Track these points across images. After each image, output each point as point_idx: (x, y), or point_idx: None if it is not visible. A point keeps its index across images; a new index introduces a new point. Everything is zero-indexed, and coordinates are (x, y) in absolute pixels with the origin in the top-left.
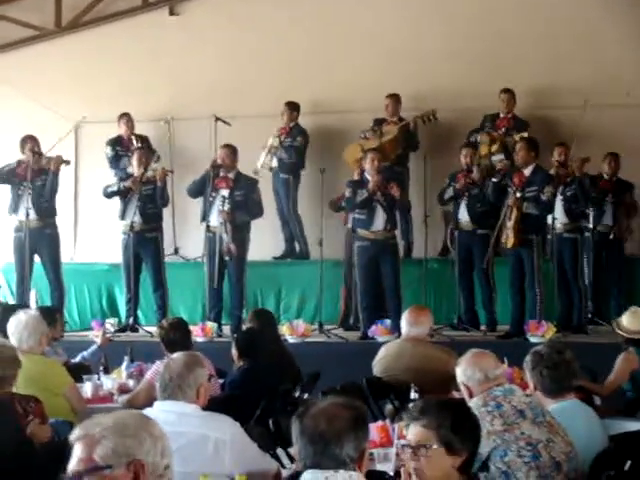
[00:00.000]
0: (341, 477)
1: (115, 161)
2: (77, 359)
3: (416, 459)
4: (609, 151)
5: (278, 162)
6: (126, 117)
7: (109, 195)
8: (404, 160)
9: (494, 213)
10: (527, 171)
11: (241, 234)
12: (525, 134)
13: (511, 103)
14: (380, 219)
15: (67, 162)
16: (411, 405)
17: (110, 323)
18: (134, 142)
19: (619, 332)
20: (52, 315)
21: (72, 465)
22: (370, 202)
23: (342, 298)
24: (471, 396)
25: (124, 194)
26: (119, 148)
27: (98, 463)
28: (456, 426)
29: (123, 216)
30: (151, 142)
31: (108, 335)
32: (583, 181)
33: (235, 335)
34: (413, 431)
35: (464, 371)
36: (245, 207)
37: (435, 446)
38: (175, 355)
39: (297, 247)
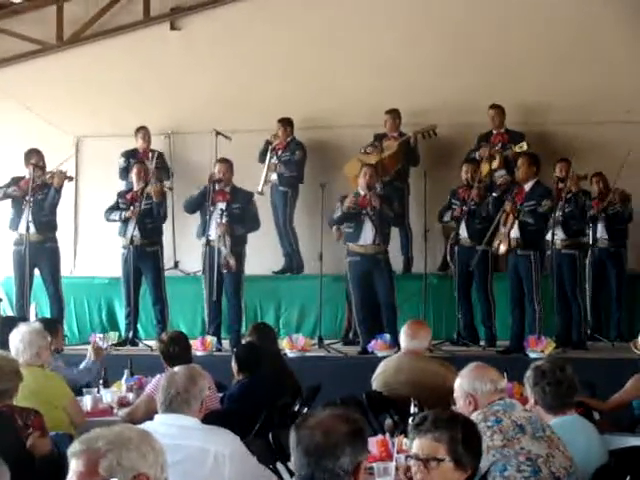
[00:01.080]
0: None
1: (125, 173)
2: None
3: (425, 472)
4: (607, 166)
5: (278, 176)
6: (143, 131)
7: (110, 221)
8: (404, 175)
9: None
10: (527, 186)
11: (238, 247)
12: (524, 144)
13: (500, 118)
14: (368, 233)
15: (70, 178)
16: (417, 417)
17: (99, 337)
18: (149, 157)
19: (636, 351)
20: (53, 326)
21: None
22: (356, 215)
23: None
24: (476, 408)
25: (125, 220)
26: (132, 161)
27: (103, 477)
28: (466, 441)
29: (124, 233)
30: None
31: (97, 347)
32: (580, 199)
33: (235, 349)
34: (423, 443)
35: (472, 383)
36: (242, 220)
37: (446, 460)
38: (177, 368)
39: (295, 261)
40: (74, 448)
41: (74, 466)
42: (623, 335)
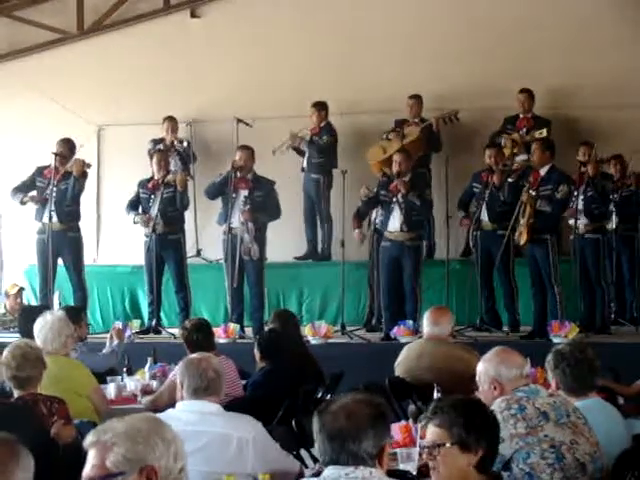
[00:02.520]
0: (360, 473)
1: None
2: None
3: (432, 458)
4: (631, 150)
5: (307, 162)
6: (171, 121)
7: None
8: (426, 161)
9: (513, 214)
10: (542, 171)
11: (260, 235)
12: (544, 131)
13: (529, 103)
14: (396, 220)
15: (88, 165)
16: (428, 407)
17: (119, 324)
18: (176, 145)
19: None
20: (77, 314)
21: (86, 471)
22: (388, 203)
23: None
24: (501, 393)
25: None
26: (161, 147)
27: (110, 470)
28: (469, 424)
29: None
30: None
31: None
32: (598, 182)
33: (257, 336)
34: (428, 431)
35: (497, 368)
36: (264, 208)
37: (448, 445)
38: (199, 355)
39: (319, 248)
40: (88, 439)
41: (89, 456)
42: (636, 320)
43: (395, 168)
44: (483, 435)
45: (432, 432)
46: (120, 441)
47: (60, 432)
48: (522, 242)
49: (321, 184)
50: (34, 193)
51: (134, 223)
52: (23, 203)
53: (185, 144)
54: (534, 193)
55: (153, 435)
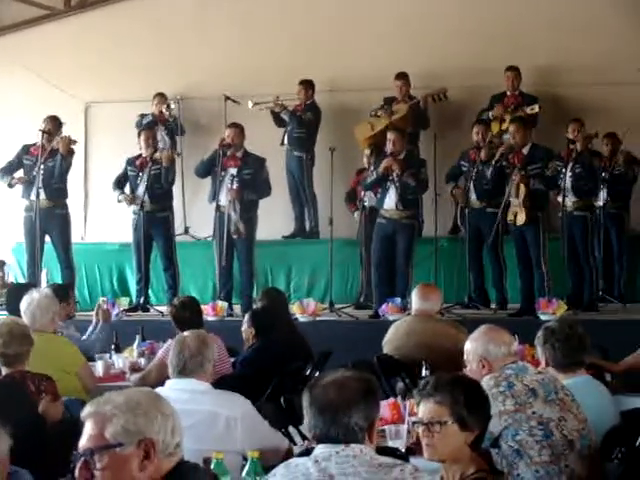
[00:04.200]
0: (351, 451)
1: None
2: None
3: (429, 435)
4: (619, 128)
5: (289, 139)
6: (161, 97)
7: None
8: (414, 139)
9: (501, 191)
10: (525, 150)
11: (249, 213)
12: (536, 107)
13: (517, 80)
14: (391, 198)
15: (74, 142)
16: (422, 382)
17: (103, 300)
18: (164, 112)
19: None
20: (65, 292)
21: (83, 442)
22: (383, 182)
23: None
24: (489, 371)
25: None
26: (149, 118)
27: (109, 441)
28: (469, 402)
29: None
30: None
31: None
32: (585, 158)
33: (251, 313)
34: (426, 407)
35: (485, 346)
36: (253, 186)
37: (449, 422)
38: (187, 333)
39: (307, 226)
40: (86, 410)
41: (85, 428)
42: (624, 296)
43: (389, 147)
44: (481, 415)
45: (432, 409)
46: (120, 412)
47: (48, 409)
48: (520, 223)
49: (304, 162)
50: (21, 174)
51: (118, 202)
52: (11, 186)
53: (173, 107)
54: (523, 173)
55: (152, 409)
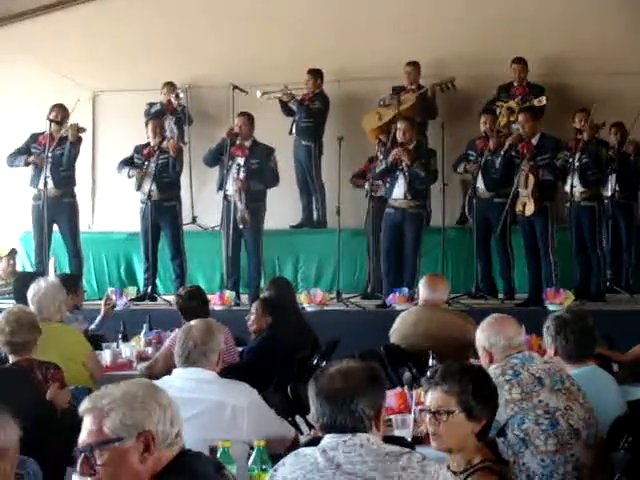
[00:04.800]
0: (359, 440)
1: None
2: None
3: (436, 424)
4: (626, 117)
5: (297, 129)
6: (171, 86)
7: (120, 174)
8: (422, 128)
9: (510, 181)
10: (534, 140)
11: (256, 203)
12: (543, 99)
13: (523, 72)
14: (400, 188)
15: (83, 129)
16: (430, 370)
17: (111, 291)
18: (172, 101)
19: None
20: (74, 282)
21: (82, 437)
22: (392, 171)
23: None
24: (491, 362)
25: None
26: (157, 110)
27: (108, 436)
28: (477, 392)
29: (139, 187)
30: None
31: (110, 303)
32: (592, 148)
33: (263, 301)
34: (434, 396)
35: (487, 337)
36: (260, 175)
37: (457, 411)
38: (194, 322)
39: (315, 215)
40: (83, 405)
41: (84, 423)
42: (631, 287)
43: (400, 137)
44: (489, 404)
45: (439, 398)
46: (117, 406)
47: (55, 397)
48: (528, 213)
49: (312, 151)
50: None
51: (129, 177)
52: (27, 164)
53: (181, 96)
54: (533, 163)
55: (150, 400)
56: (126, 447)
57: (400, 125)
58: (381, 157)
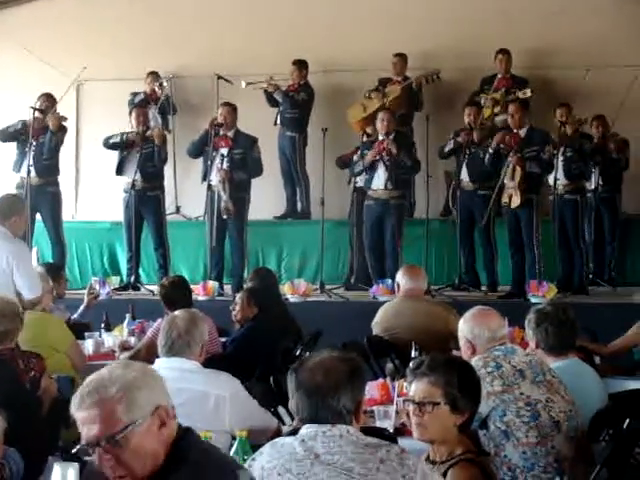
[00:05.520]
0: (338, 431)
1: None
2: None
3: (420, 415)
4: (609, 111)
5: (281, 119)
6: (154, 76)
7: (110, 146)
8: (407, 120)
9: (495, 173)
10: (522, 132)
11: (240, 193)
12: (528, 91)
13: (508, 63)
14: (380, 178)
15: (64, 118)
16: (415, 361)
17: (95, 280)
18: (157, 90)
19: None
20: (57, 272)
21: (94, 431)
22: (374, 163)
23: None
24: (474, 353)
25: (125, 147)
26: (141, 99)
27: (125, 421)
28: (462, 385)
29: (120, 171)
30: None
31: (93, 293)
32: (576, 142)
33: (249, 291)
34: (419, 387)
35: (471, 329)
36: (244, 166)
37: (442, 403)
38: (177, 312)
39: (299, 206)
40: (86, 401)
41: (87, 417)
42: (614, 280)
43: (383, 128)
44: (473, 397)
45: (424, 389)
46: (126, 391)
47: (48, 387)
48: (514, 205)
49: (297, 142)
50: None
51: (121, 140)
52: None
53: (165, 85)
54: (520, 155)
55: (149, 377)
56: (145, 427)
57: (383, 115)
58: (357, 157)
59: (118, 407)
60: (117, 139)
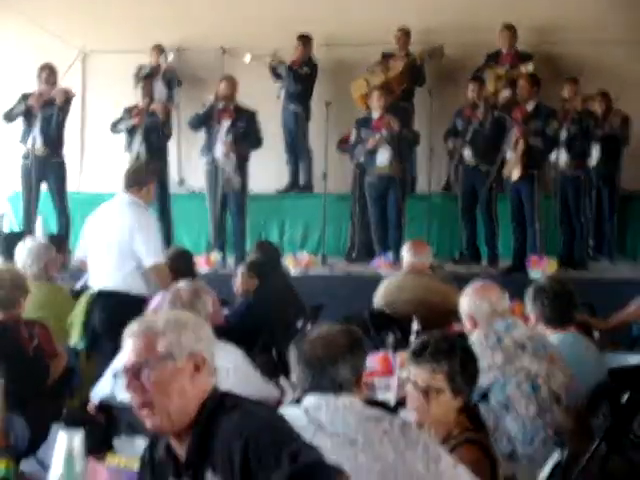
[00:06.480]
0: (341, 402)
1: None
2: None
3: (423, 401)
4: (613, 87)
5: (285, 94)
6: (159, 49)
7: (117, 132)
8: (409, 95)
9: (497, 149)
10: (529, 106)
11: (242, 166)
12: (530, 65)
13: (512, 39)
14: (384, 154)
15: (72, 94)
16: (416, 344)
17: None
18: (161, 64)
19: None
20: (61, 242)
21: (132, 357)
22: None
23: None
24: (475, 327)
25: (131, 130)
26: (147, 72)
27: (161, 353)
28: (464, 370)
29: (129, 147)
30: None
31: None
32: (583, 119)
33: (250, 264)
34: (422, 373)
35: (472, 303)
36: (246, 138)
37: (445, 390)
38: (181, 284)
39: (301, 180)
40: (133, 329)
41: (132, 345)
42: (613, 255)
43: (379, 106)
44: (472, 382)
45: (428, 377)
46: (172, 327)
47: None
48: (514, 178)
49: (300, 116)
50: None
51: (126, 129)
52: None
53: (171, 59)
54: (524, 128)
55: (199, 328)
56: (178, 366)
57: (378, 94)
58: (353, 137)
59: (159, 339)
60: (122, 126)
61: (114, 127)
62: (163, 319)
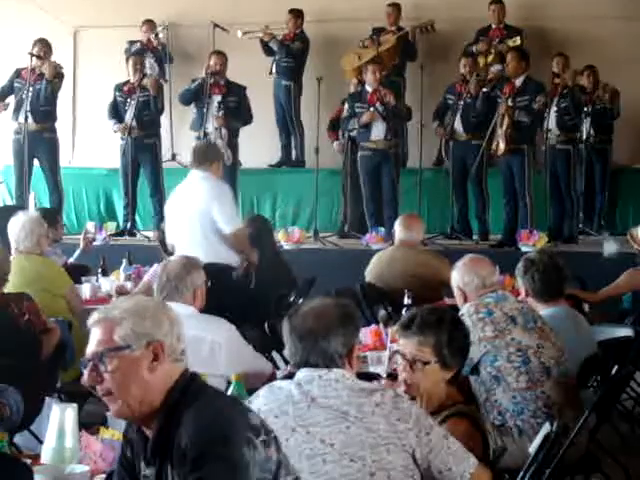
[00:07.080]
0: (334, 375)
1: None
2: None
3: (411, 372)
4: (602, 62)
5: (277, 68)
6: (150, 24)
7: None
8: (401, 70)
9: (488, 124)
10: (518, 81)
11: (233, 140)
12: (517, 39)
13: (501, 14)
14: (379, 128)
15: (60, 66)
16: (405, 317)
17: (91, 225)
18: (152, 40)
19: (634, 245)
20: (53, 216)
21: (91, 347)
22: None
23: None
24: (466, 301)
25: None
26: (138, 48)
27: (118, 343)
28: (452, 343)
29: (113, 115)
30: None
31: (89, 236)
32: (575, 93)
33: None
34: (409, 345)
35: (462, 276)
36: (237, 113)
37: (432, 362)
38: (173, 257)
39: (293, 155)
40: (93, 318)
41: (92, 334)
42: (603, 229)
43: (375, 80)
44: (461, 352)
45: (416, 348)
46: (128, 316)
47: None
48: (500, 152)
49: (292, 91)
50: (12, 98)
51: (114, 132)
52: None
53: (162, 36)
54: (511, 103)
55: (160, 313)
56: (136, 355)
57: (372, 67)
58: (346, 111)
59: (116, 328)
60: (114, 127)
61: (108, 118)
62: (122, 307)
